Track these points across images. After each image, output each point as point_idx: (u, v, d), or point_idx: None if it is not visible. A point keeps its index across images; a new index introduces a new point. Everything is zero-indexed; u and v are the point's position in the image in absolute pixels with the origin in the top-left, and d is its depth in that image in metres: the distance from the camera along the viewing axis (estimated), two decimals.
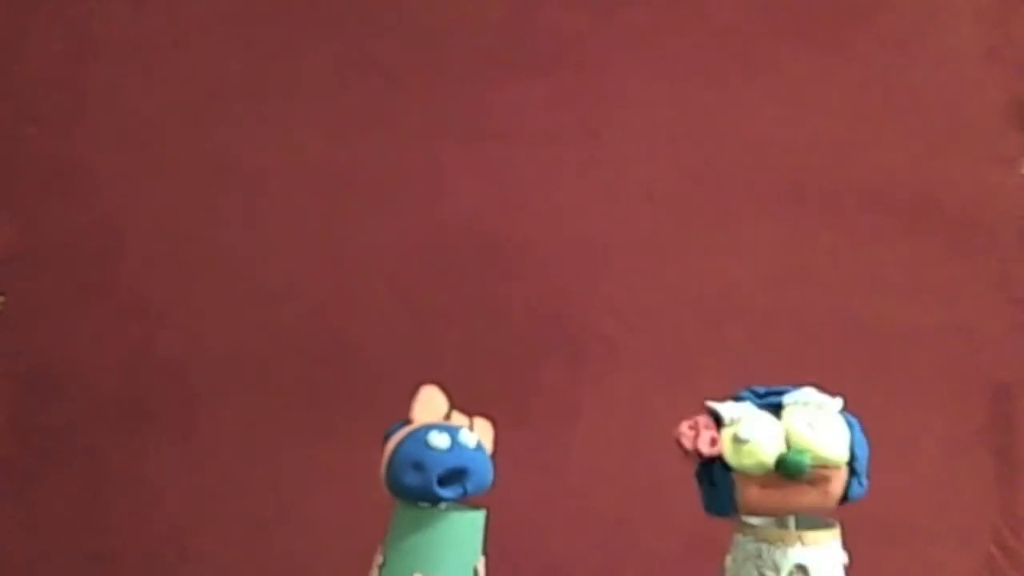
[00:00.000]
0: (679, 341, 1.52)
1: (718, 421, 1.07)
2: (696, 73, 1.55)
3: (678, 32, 1.56)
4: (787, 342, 1.51)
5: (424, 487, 1.07)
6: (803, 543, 1.04)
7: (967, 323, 1.51)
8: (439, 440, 1.09)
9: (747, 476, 1.04)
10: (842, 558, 1.07)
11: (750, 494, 1.05)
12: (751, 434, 1.04)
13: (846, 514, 1.10)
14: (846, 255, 1.53)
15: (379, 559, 1.10)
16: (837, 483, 1.05)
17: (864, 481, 1.07)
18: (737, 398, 1.09)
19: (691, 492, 1.09)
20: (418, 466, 1.08)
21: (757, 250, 1.54)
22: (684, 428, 1.06)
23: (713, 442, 1.05)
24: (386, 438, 1.12)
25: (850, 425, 1.07)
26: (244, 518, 1.53)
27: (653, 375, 1.52)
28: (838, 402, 1.08)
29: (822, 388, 1.10)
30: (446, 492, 1.08)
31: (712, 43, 1.55)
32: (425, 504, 1.10)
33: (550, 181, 1.55)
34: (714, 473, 1.06)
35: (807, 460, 1.02)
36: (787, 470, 1.03)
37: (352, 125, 1.57)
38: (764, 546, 1.04)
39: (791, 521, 1.07)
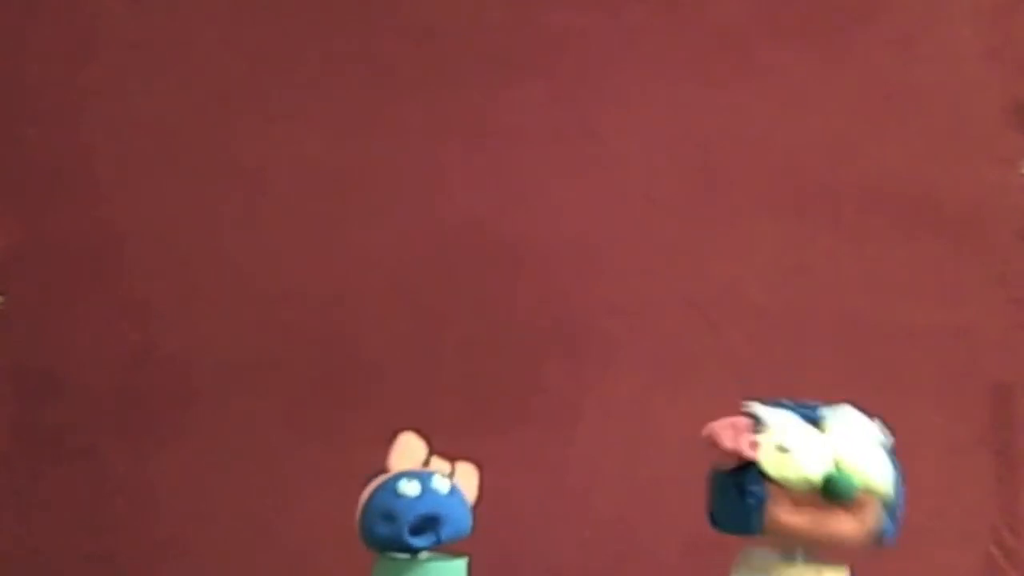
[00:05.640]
0: (679, 341, 1.52)
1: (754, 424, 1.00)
2: (696, 73, 1.55)
3: (678, 32, 1.56)
4: (787, 342, 1.51)
5: (395, 537, 1.04)
6: None
7: (967, 323, 1.51)
8: (409, 488, 1.05)
9: (784, 489, 0.97)
10: None
11: (782, 510, 0.97)
12: (796, 445, 0.97)
13: None
14: (846, 255, 1.53)
15: None
16: (871, 515, 0.99)
17: (896, 523, 1.01)
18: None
19: (691, 492, 1.08)
20: (388, 516, 1.05)
21: (757, 250, 1.53)
22: (724, 426, 0.98)
23: (753, 446, 0.98)
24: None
25: (892, 460, 1.02)
26: (244, 518, 1.53)
27: (653, 375, 1.52)
28: (878, 428, 1.03)
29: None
30: (418, 541, 1.05)
31: (712, 43, 1.55)
32: (402, 555, 1.06)
33: (550, 181, 1.55)
34: (747, 481, 0.98)
35: (857, 483, 0.97)
36: (835, 490, 0.96)
37: (352, 125, 1.57)
38: None
39: (799, 556, 1.00)
